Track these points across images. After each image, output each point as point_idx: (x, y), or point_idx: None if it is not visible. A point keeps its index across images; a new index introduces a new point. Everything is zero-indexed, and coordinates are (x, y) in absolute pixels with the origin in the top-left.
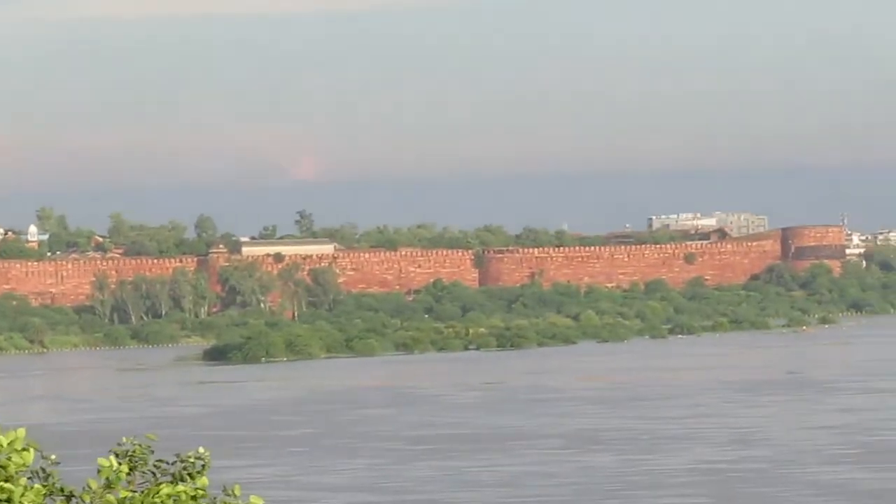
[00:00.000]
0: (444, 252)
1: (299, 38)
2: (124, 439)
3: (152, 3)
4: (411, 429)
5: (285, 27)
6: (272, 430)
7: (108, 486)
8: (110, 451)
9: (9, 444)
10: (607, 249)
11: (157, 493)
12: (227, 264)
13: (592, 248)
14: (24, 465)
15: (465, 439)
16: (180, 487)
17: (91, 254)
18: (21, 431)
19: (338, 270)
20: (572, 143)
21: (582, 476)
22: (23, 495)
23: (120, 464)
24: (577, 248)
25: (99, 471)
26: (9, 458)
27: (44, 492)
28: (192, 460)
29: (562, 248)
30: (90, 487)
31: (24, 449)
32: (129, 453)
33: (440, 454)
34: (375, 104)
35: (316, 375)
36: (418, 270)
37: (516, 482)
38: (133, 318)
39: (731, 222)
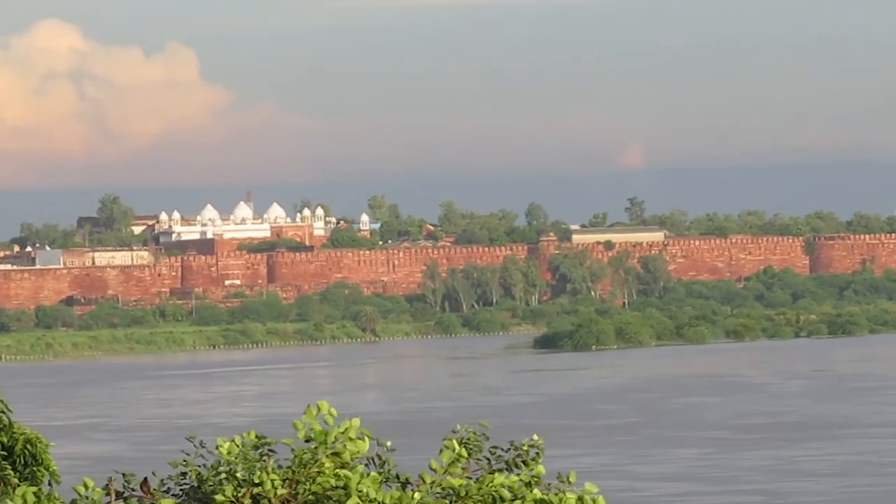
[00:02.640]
0: (775, 239)
1: (616, 25)
2: (458, 426)
3: None
4: (738, 417)
5: (609, 15)
6: (597, 419)
7: (450, 467)
8: (444, 438)
9: (342, 432)
10: None
11: (492, 482)
12: (557, 252)
13: None
14: (358, 452)
15: (792, 427)
16: (513, 477)
17: (422, 242)
18: (356, 421)
19: (668, 258)
20: None
21: None
22: (359, 482)
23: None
24: None
25: (441, 452)
26: (343, 446)
27: (380, 479)
28: (525, 448)
29: (894, 235)
30: (432, 469)
31: (358, 438)
32: (464, 440)
33: (768, 443)
34: (703, 90)
35: (643, 363)
36: (748, 257)
37: (849, 471)
38: (464, 306)
39: None
